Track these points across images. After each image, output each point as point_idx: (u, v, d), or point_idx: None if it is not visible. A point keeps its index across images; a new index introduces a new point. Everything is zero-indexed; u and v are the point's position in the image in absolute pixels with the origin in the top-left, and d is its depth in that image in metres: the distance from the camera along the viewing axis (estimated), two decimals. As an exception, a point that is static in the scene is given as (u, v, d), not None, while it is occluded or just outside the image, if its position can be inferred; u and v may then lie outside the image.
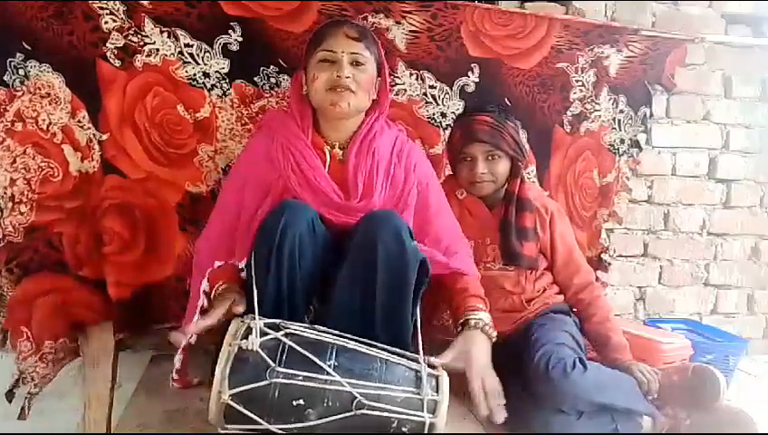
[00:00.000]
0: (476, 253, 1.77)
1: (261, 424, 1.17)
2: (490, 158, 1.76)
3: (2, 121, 1.66)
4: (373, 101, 1.59)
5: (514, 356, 1.63)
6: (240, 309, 1.31)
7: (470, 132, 1.76)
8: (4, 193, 1.67)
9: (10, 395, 1.68)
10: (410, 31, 1.96)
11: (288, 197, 1.45)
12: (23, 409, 1.69)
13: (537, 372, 1.52)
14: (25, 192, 1.68)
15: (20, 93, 1.67)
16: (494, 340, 1.43)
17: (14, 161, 1.67)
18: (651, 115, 2.33)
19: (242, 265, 1.41)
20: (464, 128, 1.78)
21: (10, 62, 1.66)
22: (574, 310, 1.82)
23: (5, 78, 1.66)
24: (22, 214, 1.69)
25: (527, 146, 1.99)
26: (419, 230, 1.50)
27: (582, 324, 1.78)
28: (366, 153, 1.52)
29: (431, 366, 1.30)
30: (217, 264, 1.44)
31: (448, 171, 2.02)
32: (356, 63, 1.49)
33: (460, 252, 1.56)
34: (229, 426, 1.20)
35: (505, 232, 1.75)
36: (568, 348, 1.59)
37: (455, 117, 2.00)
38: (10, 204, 1.67)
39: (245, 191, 1.49)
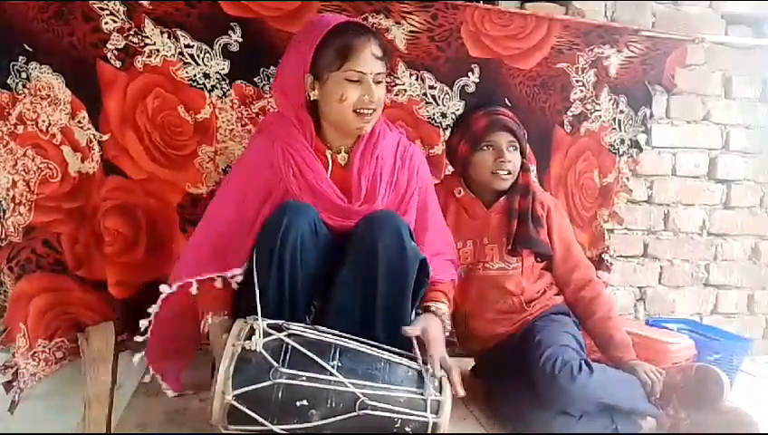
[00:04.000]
0: (475, 253, 1.77)
1: (264, 425, 1.17)
2: (512, 148, 1.76)
3: (5, 125, 1.66)
4: None
5: (514, 357, 1.63)
6: None
7: (497, 121, 1.75)
8: (7, 195, 1.67)
9: (8, 386, 1.67)
10: (410, 31, 1.96)
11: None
12: (13, 402, 1.68)
13: (544, 375, 1.51)
14: (24, 193, 1.69)
15: (22, 96, 1.67)
16: (447, 331, 1.47)
17: (16, 163, 1.67)
18: (651, 115, 2.33)
19: (234, 271, 1.41)
20: (489, 116, 1.77)
21: (12, 65, 1.66)
22: (575, 309, 1.80)
23: (8, 81, 1.66)
24: (21, 215, 1.69)
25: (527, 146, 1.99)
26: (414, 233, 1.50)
27: (584, 323, 1.77)
28: (370, 157, 1.52)
29: (424, 362, 1.31)
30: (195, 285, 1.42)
31: (447, 171, 2.02)
32: (378, 82, 1.46)
33: (440, 258, 1.57)
34: (232, 426, 1.20)
35: (522, 219, 1.75)
36: (572, 350, 1.58)
37: (470, 110, 1.93)
38: (12, 205, 1.68)
39: (247, 196, 1.48)
